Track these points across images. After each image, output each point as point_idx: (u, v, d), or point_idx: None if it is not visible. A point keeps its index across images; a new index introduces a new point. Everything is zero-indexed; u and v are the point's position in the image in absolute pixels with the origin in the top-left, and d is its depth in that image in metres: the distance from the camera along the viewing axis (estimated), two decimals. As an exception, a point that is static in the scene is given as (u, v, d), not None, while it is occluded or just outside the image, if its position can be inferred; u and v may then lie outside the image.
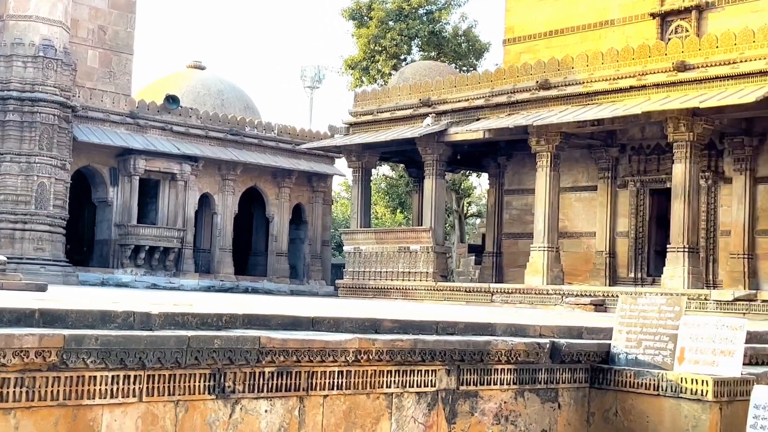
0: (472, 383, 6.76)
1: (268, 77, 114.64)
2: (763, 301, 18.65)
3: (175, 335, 5.40)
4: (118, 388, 5.16)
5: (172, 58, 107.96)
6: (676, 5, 24.45)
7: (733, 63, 19.43)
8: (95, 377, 5.08)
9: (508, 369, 6.95)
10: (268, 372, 5.73)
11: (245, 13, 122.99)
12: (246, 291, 29.45)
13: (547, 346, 7.20)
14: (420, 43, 38.80)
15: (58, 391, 4.95)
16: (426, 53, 38.73)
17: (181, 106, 30.21)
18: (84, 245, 29.51)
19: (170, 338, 5.35)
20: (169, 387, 5.34)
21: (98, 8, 29.83)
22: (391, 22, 38.02)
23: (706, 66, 19.90)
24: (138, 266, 28.59)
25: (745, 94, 18.60)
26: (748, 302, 18.74)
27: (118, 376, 5.16)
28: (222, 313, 6.15)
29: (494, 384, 6.89)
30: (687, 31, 24.05)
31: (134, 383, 5.22)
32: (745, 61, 19.27)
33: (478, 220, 45.68)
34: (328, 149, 30.31)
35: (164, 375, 5.32)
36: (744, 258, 21.37)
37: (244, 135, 31.38)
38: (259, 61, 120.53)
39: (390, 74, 36.02)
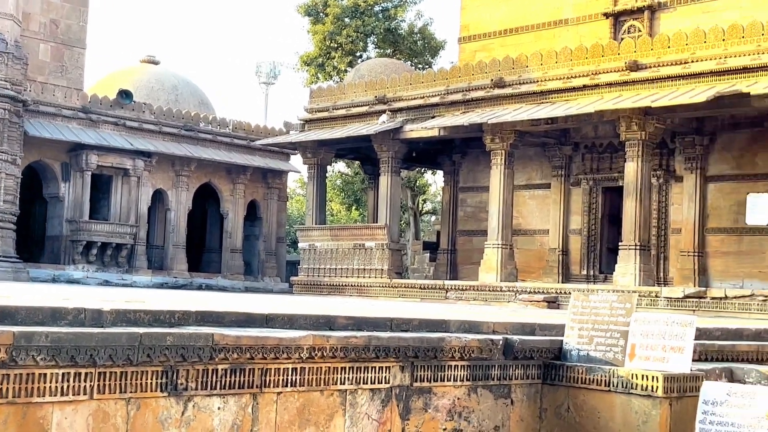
0: (425, 380, 6.78)
1: (223, 73, 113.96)
2: (713, 298, 18.92)
3: (126, 332, 5.35)
4: (68, 386, 5.11)
5: (125, 53, 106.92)
6: (628, 5, 24.71)
7: (685, 63, 19.68)
8: (45, 375, 5.02)
9: (461, 365, 6.98)
10: (222, 369, 5.70)
11: (200, 7, 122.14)
12: (200, 288, 29.26)
13: (501, 342, 7.24)
14: (376, 40, 38.82)
15: (7, 388, 4.88)
16: (382, 50, 38.76)
17: (135, 101, 29.93)
18: (35, 241, 29.13)
19: (122, 335, 5.30)
20: (120, 384, 5.29)
21: (50, 1, 29.43)
22: (347, 19, 37.99)
23: (658, 66, 20.14)
24: (90, 263, 28.29)
25: (696, 94, 18.85)
26: (697, 299, 19.01)
27: (68, 373, 5.10)
28: (175, 310, 6.11)
29: (448, 380, 6.92)
30: (640, 31, 24.32)
31: (85, 381, 5.16)
32: (697, 61, 19.53)
33: (433, 218, 45.83)
34: (283, 145, 30.22)
35: (116, 372, 5.27)
36: (694, 256, 21.69)
37: (199, 131, 31.17)
38: (214, 56, 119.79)
39: (346, 71, 36.00)
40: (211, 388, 5.66)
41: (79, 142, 27.90)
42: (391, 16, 38.77)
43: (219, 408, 5.72)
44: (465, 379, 7.01)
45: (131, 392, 5.35)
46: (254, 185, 32.53)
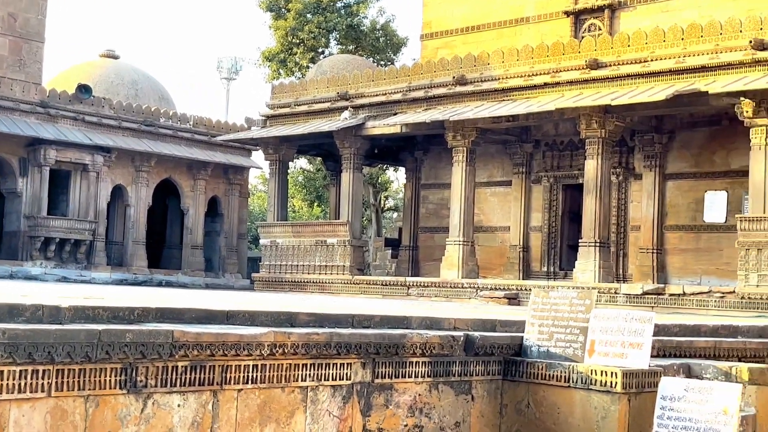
0: (387, 376, 6.79)
1: (184, 68, 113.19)
2: (671, 295, 19.12)
3: (85, 329, 5.31)
4: (26, 383, 5.06)
5: (84, 47, 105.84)
6: (589, 4, 24.89)
7: (644, 61, 19.86)
8: (2, 372, 4.97)
9: (422, 362, 7.00)
10: (182, 366, 5.67)
11: (160, 1, 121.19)
12: (160, 284, 29.06)
13: (462, 339, 7.27)
14: (338, 36, 38.75)
15: (-38, 386, 4.83)
16: (344, 47, 38.70)
17: (94, 96, 29.64)
18: (-8, 237, 28.76)
19: (80, 332, 5.26)
20: (79, 382, 5.25)
21: (8, -6, 29.04)
22: (309, 15, 37.88)
23: (618, 64, 20.30)
24: (48, 259, 28.00)
25: (656, 92, 19.03)
26: (656, 296, 19.21)
27: (26, 370, 5.05)
28: (134, 307, 6.07)
29: (409, 377, 6.93)
30: (600, 29, 24.50)
31: (43, 378, 5.12)
32: (656, 59, 19.72)
33: (395, 214, 45.85)
34: (244, 141, 30.09)
35: (74, 369, 5.23)
36: (653, 253, 21.92)
37: (159, 126, 30.94)
38: (175, 51, 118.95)
39: (308, 67, 35.91)
40: (171, 386, 5.63)
41: (37, 137, 27.58)
42: (353, 13, 38.72)
43: (179, 405, 5.69)
44: (426, 376, 7.03)
45: (90, 390, 5.30)
46: (215, 181, 32.36)
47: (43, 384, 5.12)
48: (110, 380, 5.37)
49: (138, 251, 30.25)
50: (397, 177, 44.71)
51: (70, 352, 5.17)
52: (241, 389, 5.99)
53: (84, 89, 29.39)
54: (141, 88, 32.91)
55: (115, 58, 34.23)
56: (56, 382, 5.17)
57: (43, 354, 5.07)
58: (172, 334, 5.59)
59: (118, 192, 30.15)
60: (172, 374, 5.63)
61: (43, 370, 5.11)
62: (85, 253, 28.83)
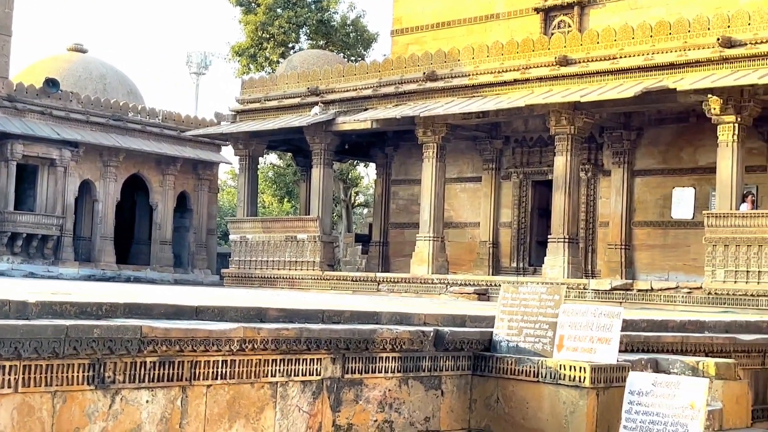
0: (357, 371, 6.79)
1: (153, 62, 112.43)
2: (639, 290, 19.26)
3: (52, 324, 5.27)
4: (-8, 379, 5.00)
5: (52, 41, 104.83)
6: (559, 1, 24.99)
7: (613, 59, 19.98)
8: (-33, 368, 4.92)
9: (392, 357, 7.00)
10: (150, 362, 5.64)
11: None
12: (128, 280, 28.87)
13: (431, 334, 7.28)
14: (308, 31, 38.65)
15: (-73, 382, 4.77)
16: (314, 42, 38.62)
17: (62, 90, 29.37)
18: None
19: (48, 328, 5.21)
20: (46, 377, 5.20)
21: (-26, -14, 28.70)
22: (279, 10, 37.75)
23: (588, 61, 20.41)
24: (15, 254, 27.74)
25: (624, 89, 19.15)
26: (624, 291, 19.34)
27: (-8, 366, 5.00)
28: (102, 302, 6.03)
29: (379, 372, 6.93)
30: (569, 26, 24.62)
31: (9, 374, 5.07)
32: (625, 57, 19.83)
33: (366, 210, 45.85)
34: (214, 137, 29.95)
35: (41, 365, 5.18)
36: (621, 248, 22.07)
37: (127, 121, 30.71)
38: (144, 45, 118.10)
39: (278, 62, 35.78)
40: (139, 381, 5.60)
41: (4, 131, 27.30)
42: (324, 8, 38.63)
43: (147, 401, 5.66)
44: (396, 371, 7.04)
45: (57, 385, 5.26)
46: (184, 176, 32.18)
47: (9, 380, 5.07)
48: (78, 376, 5.33)
49: (106, 247, 30.03)
50: (367, 173, 44.74)
51: (37, 347, 5.12)
52: (211, 385, 5.97)
53: (51, 83, 29.11)
54: (109, 82, 32.65)
55: (83, 52, 33.93)
56: (23, 378, 5.12)
57: (9, 349, 5.02)
58: (140, 329, 5.56)
59: (86, 187, 29.91)
60: (140, 370, 5.60)
61: (10, 366, 5.06)
62: (52, 249, 28.59)
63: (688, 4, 22.21)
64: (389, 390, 7.01)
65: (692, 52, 18.93)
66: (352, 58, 37.90)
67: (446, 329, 7.46)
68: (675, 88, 18.42)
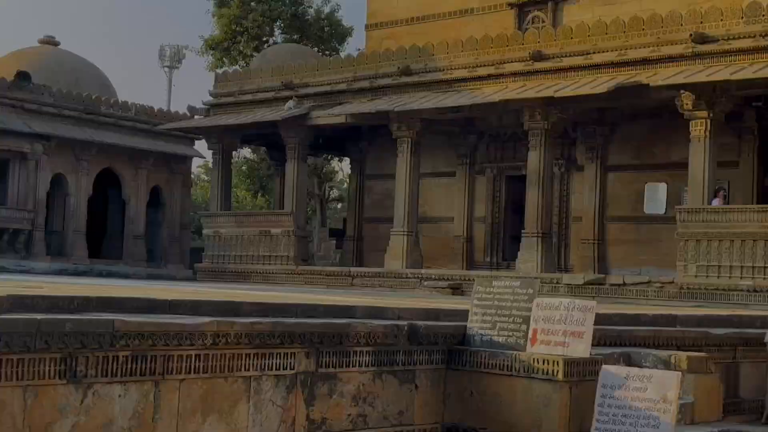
0: (331, 365, 6.78)
1: (126, 56, 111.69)
2: (612, 284, 19.38)
3: (24, 318, 5.23)
4: (-38, 374, 4.96)
5: (23, 33, 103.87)
6: (533, -4, 25.06)
7: (587, 54, 20.05)
8: (-63, 363, 4.87)
9: (366, 351, 7.00)
10: (123, 356, 5.60)
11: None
12: (101, 274, 28.64)
13: (406, 328, 7.28)
14: (282, 25, 38.54)
15: None
16: (288, 36, 38.51)
17: (33, 83, 29.09)
18: (-73, 226, 28.12)
19: (19, 322, 5.17)
20: (17, 372, 5.16)
21: (-56, -22, 28.38)
22: (253, 3, 37.62)
23: (562, 56, 20.47)
24: (-14, 248, 27.48)
25: (598, 84, 19.24)
26: (597, 285, 19.44)
27: (-38, 361, 4.95)
28: (74, 296, 5.99)
29: (353, 366, 6.93)
30: (544, 21, 24.69)
31: (-21, 369, 5.02)
32: (599, 52, 19.92)
33: (340, 205, 45.83)
34: (187, 130, 29.80)
35: (12, 360, 5.14)
36: (594, 243, 22.19)
37: (100, 114, 30.48)
38: (117, 39, 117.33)
39: (252, 56, 35.66)
40: (111, 376, 5.57)
41: (-26, 124, 27.03)
42: (298, 2, 38.55)
43: (120, 396, 5.63)
44: (370, 365, 7.04)
45: (29, 380, 5.22)
46: (157, 171, 31.98)
47: (-21, 374, 5.02)
48: (49, 370, 5.29)
49: (78, 241, 29.82)
50: (342, 167, 44.67)
51: (8, 341, 5.08)
52: (184, 379, 5.94)
53: (23, 76, 28.84)
54: (82, 75, 32.38)
55: (55, 44, 33.64)
56: (-7, 373, 5.08)
57: (-21, 344, 4.98)
58: (112, 323, 5.53)
59: (58, 181, 29.67)
60: (113, 364, 5.56)
61: (-20, 361, 5.01)
62: (23, 243, 28.35)
63: (661, 0, 22.33)
64: (363, 384, 7.01)
65: (665, 48, 19.04)
66: (327, 52, 37.82)
67: (420, 323, 7.47)
68: (648, 84, 18.51)
